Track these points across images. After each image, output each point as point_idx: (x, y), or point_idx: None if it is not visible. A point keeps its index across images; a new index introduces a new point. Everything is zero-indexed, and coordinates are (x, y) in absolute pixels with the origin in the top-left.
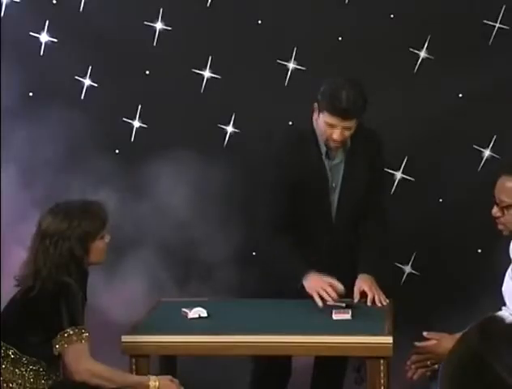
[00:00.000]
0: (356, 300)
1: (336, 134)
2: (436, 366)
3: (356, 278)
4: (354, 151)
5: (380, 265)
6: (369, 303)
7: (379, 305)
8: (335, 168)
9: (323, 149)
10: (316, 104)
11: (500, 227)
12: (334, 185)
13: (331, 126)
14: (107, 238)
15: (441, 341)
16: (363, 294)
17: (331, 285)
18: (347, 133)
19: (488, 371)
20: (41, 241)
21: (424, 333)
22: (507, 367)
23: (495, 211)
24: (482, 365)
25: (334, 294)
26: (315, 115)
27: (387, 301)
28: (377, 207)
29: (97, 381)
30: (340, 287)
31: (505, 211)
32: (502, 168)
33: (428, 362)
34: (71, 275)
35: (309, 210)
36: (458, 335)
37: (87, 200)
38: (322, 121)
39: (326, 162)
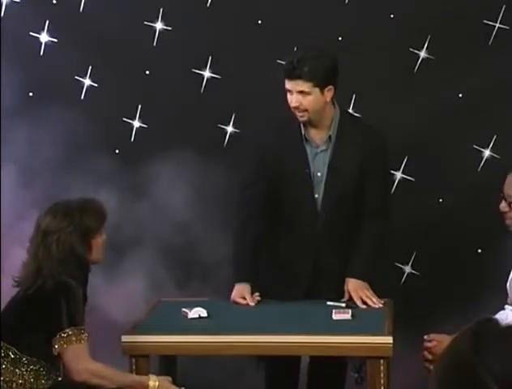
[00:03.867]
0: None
1: (291, 100)
2: None
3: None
4: (342, 142)
5: (371, 268)
6: (361, 305)
7: (374, 306)
8: (320, 158)
9: (303, 132)
10: None
11: (508, 222)
12: (319, 174)
13: (289, 92)
14: (104, 235)
15: (441, 343)
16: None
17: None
18: (304, 99)
19: (477, 381)
20: (42, 240)
21: (425, 336)
22: (494, 374)
23: (503, 206)
24: (470, 372)
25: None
26: None
27: (381, 302)
28: (380, 207)
29: (97, 381)
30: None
31: None
32: None
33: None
34: (73, 275)
35: (291, 197)
36: None
37: (85, 198)
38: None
39: (308, 149)
